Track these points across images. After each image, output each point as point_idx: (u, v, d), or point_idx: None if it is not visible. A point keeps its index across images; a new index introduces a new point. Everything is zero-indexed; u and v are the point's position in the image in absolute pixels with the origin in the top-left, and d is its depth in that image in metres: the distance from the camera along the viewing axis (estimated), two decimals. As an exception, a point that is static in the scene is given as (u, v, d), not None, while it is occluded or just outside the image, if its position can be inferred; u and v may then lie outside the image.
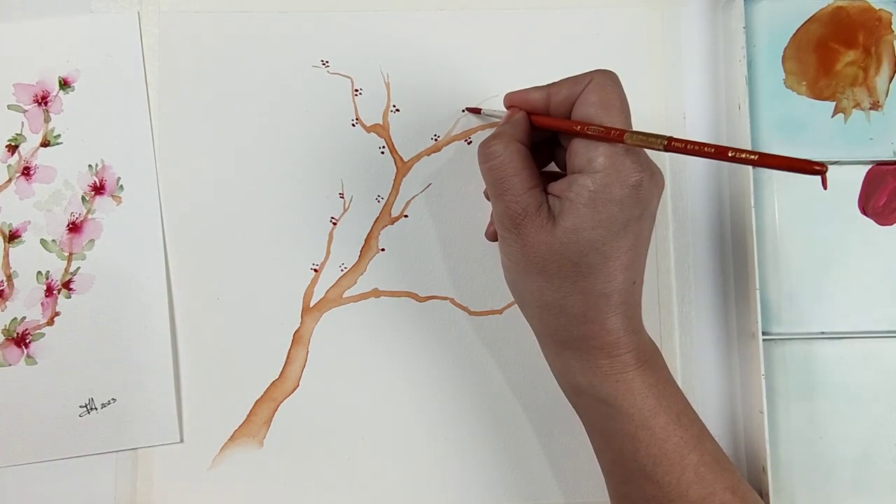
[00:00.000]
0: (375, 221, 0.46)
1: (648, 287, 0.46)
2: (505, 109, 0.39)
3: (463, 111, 0.46)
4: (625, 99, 0.35)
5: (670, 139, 0.31)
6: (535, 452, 0.45)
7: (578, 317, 0.34)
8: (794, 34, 0.46)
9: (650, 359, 0.36)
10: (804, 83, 0.46)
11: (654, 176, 0.34)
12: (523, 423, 0.45)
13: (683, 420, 0.35)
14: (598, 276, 0.34)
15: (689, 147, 0.31)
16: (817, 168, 0.27)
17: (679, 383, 0.45)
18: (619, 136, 0.32)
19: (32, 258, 0.45)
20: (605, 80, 0.35)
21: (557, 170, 0.40)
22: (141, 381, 0.44)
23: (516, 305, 0.45)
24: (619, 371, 0.35)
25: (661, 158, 0.47)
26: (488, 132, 0.47)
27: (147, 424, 0.44)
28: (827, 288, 0.45)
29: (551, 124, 0.37)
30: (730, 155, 0.30)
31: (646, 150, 0.34)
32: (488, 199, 0.38)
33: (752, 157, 0.29)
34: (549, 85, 0.37)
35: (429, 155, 0.46)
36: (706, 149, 0.30)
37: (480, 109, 0.46)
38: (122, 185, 0.45)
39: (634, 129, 0.33)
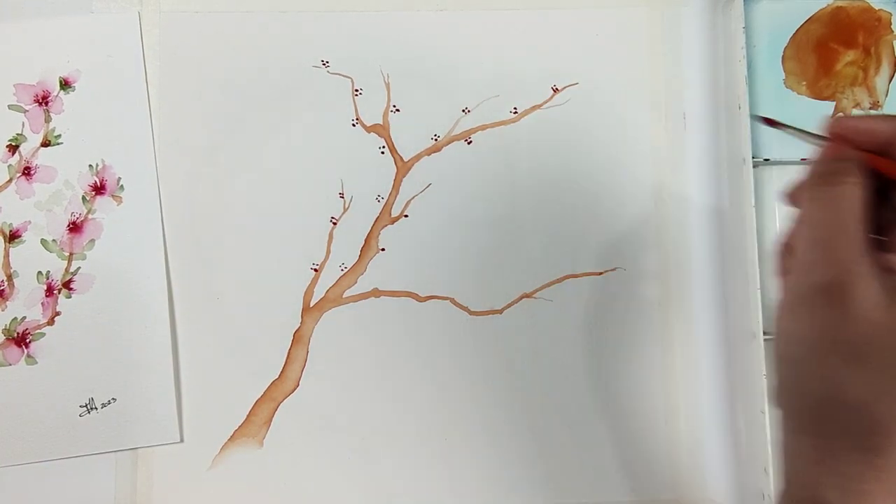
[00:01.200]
0: (375, 221, 0.46)
1: (649, 287, 0.46)
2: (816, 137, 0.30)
3: (756, 118, 0.41)
4: None
5: None
6: (535, 452, 0.45)
7: (875, 425, 0.26)
8: (794, 34, 0.46)
9: None
10: (804, 83, 0.46)
11: None
12: (523, 422, 0.45)
13: None
14: None
15: None
16: None
17: (679, 383, 0.45)
18: None
19: (33, 258, 0.45)
20: None
21: None
22: (141, 381, 0.44)
23: (516, 305, 0.45)
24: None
25: (662, 158, 0.47)
26: (489, 132, 0.47)
27: (147, 424, 0.44)
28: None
29: None
30: None
31: None
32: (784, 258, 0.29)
33: None
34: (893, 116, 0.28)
35: (429, 155, 0.46)
36: None
37: (779, 123, 0.33)
38: (122, 185, 0.45)
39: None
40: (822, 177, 0.28)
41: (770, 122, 0.34)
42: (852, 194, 0.27)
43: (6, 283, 0.44)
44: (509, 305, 0.46)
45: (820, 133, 0.29)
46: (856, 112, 0.46)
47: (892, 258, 0.27)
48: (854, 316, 0.26)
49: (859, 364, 0.26)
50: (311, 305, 0.45)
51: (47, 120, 0.46)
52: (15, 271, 0.45)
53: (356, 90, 0.47)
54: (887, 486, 0.26)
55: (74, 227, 0.45)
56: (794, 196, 0.29)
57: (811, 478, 0.27)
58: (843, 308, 0.26)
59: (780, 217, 0.45)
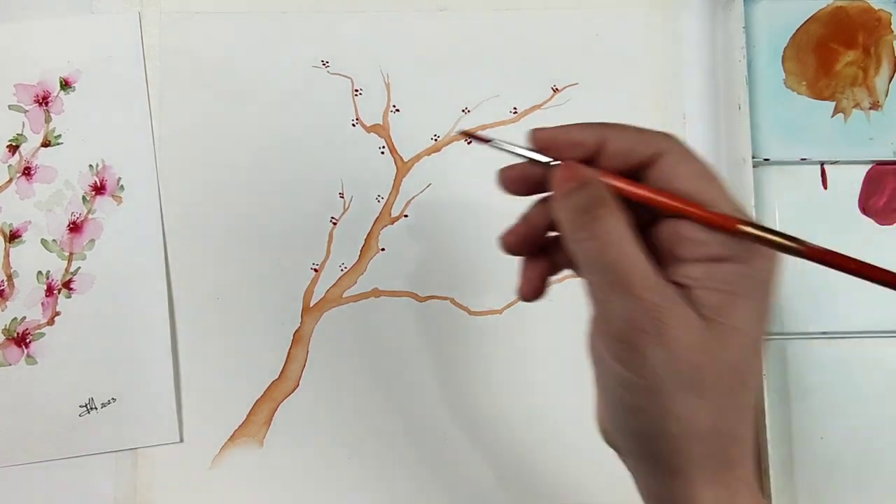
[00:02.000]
0: (375, 221, 0.46)
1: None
2: (521, 146, 0.30)
3: (459, 133, 0.43)
4: (706, 161, 0.27)
5: (809, 246, 0.25)
6: (535, 452, 0.45)
7: (729, 438, 0.26)
8: (794, 34, 0.46)
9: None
10: (804, 83, 0.46)
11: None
12: (523, 422, 0.45)
13: None
14: (749, 380, 0.26)
15: (814, 251, 0.25)
16: None
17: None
18: (732, 224, 0.25)
19: (33, 258, 0.45)
20: (688, 149, 0.27)
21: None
22: (141, 381, 0.44)
23: (516, 305, 0.45)
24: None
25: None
26: (490, 132, 0.47)
27: (147, 424, 0.44)
28: (827, 288, 0.45)
29: (637, 195, 0.26)
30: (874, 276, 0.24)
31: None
32: (597, 297, 0.27)
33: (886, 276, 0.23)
34: (601, 126, 0.27)
35: (429, 155, 0.46)
36: (834, 255, 0.25)
37: (490, 139, 0.32)
38: (122, 185, 0.45)
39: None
40: (577, 215, 0.26)
41: (477, 138, 0.31)
42: (616, 224, 0.25)
43: (6, 283, 0.44)
44: (509, 305, 0.46)
45: (530, 148, 0.28)
46: (855, 111, 0.46)
47: (686, 272, 0.26)
48: (677, 348, 0.25)
49: (698, 393, 0.25)
50: (311, 305, 0.45)
51: (47, 120, 0.46)
52: (15, 271, 0.45)
53: (356, 90, 0.47)
54: (746, 480, 0.26)
55: (74, 227, 0.45)
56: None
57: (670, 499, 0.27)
58: (665, 343, 0.25)
59: (780, 217, 0.46)
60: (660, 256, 0.26)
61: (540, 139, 0.28)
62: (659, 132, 0.27)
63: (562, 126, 0.27)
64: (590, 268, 0.26)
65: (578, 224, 0.26)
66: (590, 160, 0.27)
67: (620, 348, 0.25)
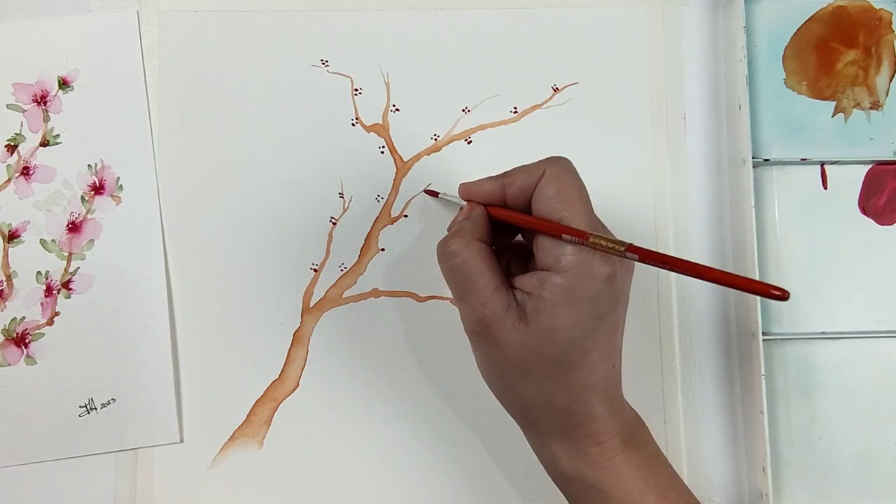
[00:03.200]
0: (375, 221, 0.46)
1: (648, 287, 0.46)
2: (462, 199, 0.38)
3: (422, 192, 0.45)
4: (583, 187, 0.34)
5: (630, 245, 0.30)
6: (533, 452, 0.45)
7: (563, 410, 0.34)
8: (795, 34, 0.46)
9: (635, 436, 0.36)
10: (804, 83, 0.46)
11: (625, 261, 0.34)
12: (523, 423, 0.45)
13: (671, 495, 0.35)
14: (581, 369, 0.33)
15: (647, 255, 0.30)
16: (777, 293, 0.26)
17: (679, 383, 0.46)
18: (584, 238, 0.31)
19: (32, 258, 0.44)
20: (561, 171, 0.34)
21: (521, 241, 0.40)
22: (141, 381, 0.44)
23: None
24: (607, 457, 0.34)
25: (662, 158, 0.47)
26: (490, 132, 0.47)
27: (147, 424, 0.44)
28: (827, 288, 0.45)
29: (512, 219, 0.35)
30: (685, 269, 0.29)
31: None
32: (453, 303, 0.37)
33: (711, 274, 0.28)
34: (502, 176, 0.36)
35: (429, 155, 0.46)
36: (665, 258, 0.29)
37: (438, 193, 0.44)
38: (121, 185, 0.45)
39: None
40: (442, 241, 0.35)
41: (430, 193, 0.45)
42: (466, 249, 0.34)
43: (5, 284, 0.44)
44: (509, 305, 0.46)
45: (461, 198, 0.38)
46: (856, 111, 0.46)
47: (524, 281, 0.34)
48: (503, 344, 0.33)
49: (525, 377, 0.34)
50: (311, 305, 0.45)
51: (46, 119, 0.46)
52: (14, 271, 0.45)
53: (356, 90, 0.47)
54: (594, 439, 0.34)
55: (73, 227, 0.45)
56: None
57: (545, 457, 0.37)
58: (493, 340, 0.33)
59: (780, 217, 0.46)
60: (535, 266, 0.34)
61: (462, 192, 0.38)
62: (543, 161, 0.35)
63: (477, 181, 0.37)
64: (447, 283, 0.35)
65: (440, 254, 0.35)
66: (500, 203, 0.36)
67: (472, 343, 0.35)
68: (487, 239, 0.36)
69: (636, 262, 0.31)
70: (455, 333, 0.45)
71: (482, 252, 0.34)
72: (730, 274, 0.27)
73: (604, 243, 0.31)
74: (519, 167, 0.35)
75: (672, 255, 0.30)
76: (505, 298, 0.33)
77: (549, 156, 0.35)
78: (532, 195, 0.34)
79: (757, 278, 0.43)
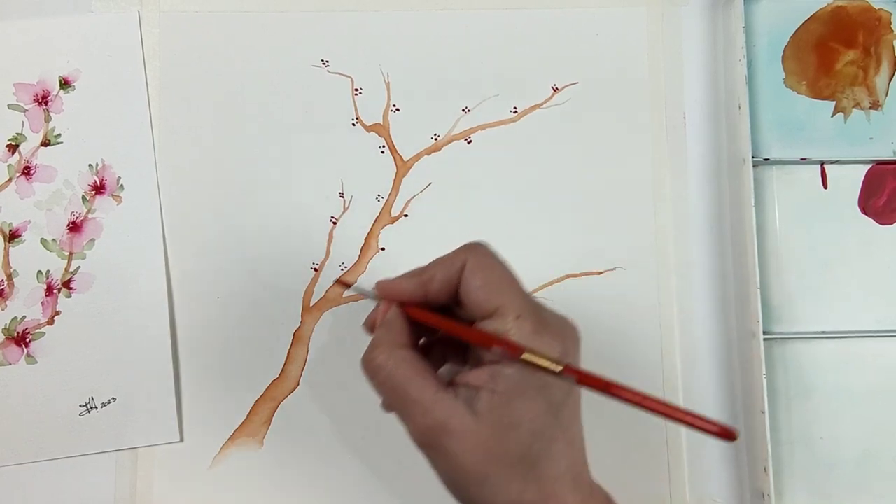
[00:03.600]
0: (375, 221, 0.46)
1: (649, 287, 0.46)
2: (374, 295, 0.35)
3: (334, 284, 0.44)
4: (508, 270, 0.32)
5: (567, 367, 0.28)
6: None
7: None
8: (794, 34, 0.46)
9: None
10: (804, 83, 0.46)
11: (572, 335, 0.33)
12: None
13: None
14: (548, 461, 0.31)
15: (585, 379, 0.28)
16: (727, 435, 0.25)
17: (679, 383, 0.45)
18: (515, 354, 0.30)
19: (33, 257, 0.45)
20: (483, 259, 0.32)
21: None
22: (141, 381, 0.44)
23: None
24: None
25: (662, 158, 0.47)
26: (489, 132, 0.47)
27: (147, 424, 0.44)
28: (827, 287, 0.45)
29: (437, 325, 0.33)
30: (627, 398, 0.27)
31: (549, 314, 0.32)
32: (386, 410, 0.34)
33: (657, 407, 0.27)
34: (420, 272, 0.33)
35: (429, 154, 0.46)
36: (606, 384, 0.28)
37: (350, 284, 0.42)
38: (122, 185, 0.45)
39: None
40: (364, 355, 0.32)
41: (343, 284, 0.43)
42: (388, 361, 0.31)
43: (6, 283, 0.44)
44: (509, 305, 0.46)
45: (376, 294, 0.34)
46: (855, 111, 0.46)
47: (472, 377, 0.31)
48: (459, 452, 0.30)
49: (491, 481, 0.30)
50: (311, 305, 0.45)
51: (47, 119, 0.46)
52: (15, 271, 0.45)
53: (356, 90, 0.47)
54: None
55: (74, 227, 0.45)
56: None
57: None
58: (446, 451, 0.30)
59: (780, 217, 0.46)
60: (477, 360, 0.32)
61: (379, 291, 0.34)
62: (460, 250, 0.32)
63: (394, 279, 0.33)
64: (381, 399, 0.32)
65: (364, 370, 0.32)
66: (422, 301, 0.33)
67: (425, 456, 0.32)
68: (410, 341, 0.33)
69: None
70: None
71: (408, 360, 0.31)
72: (676, 408, 0.26)
73: (538, 362, 0.29)
74: (436, 261, 0.33)
75: (614, 381, 0.28)
76: (447, 401, 0.30)
77: (466, 243, 0.33)
78: (456, 289, 0.32)
79: (756, 278, 0.43)
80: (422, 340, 0.35)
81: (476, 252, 0.32)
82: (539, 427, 0.31)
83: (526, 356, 0.29)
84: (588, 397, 0.47)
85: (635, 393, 0.27)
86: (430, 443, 0.31)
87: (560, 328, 0.32)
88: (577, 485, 0.32)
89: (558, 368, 0.28)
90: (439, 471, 0.32)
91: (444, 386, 0.31)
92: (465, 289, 0.32)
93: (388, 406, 0.33)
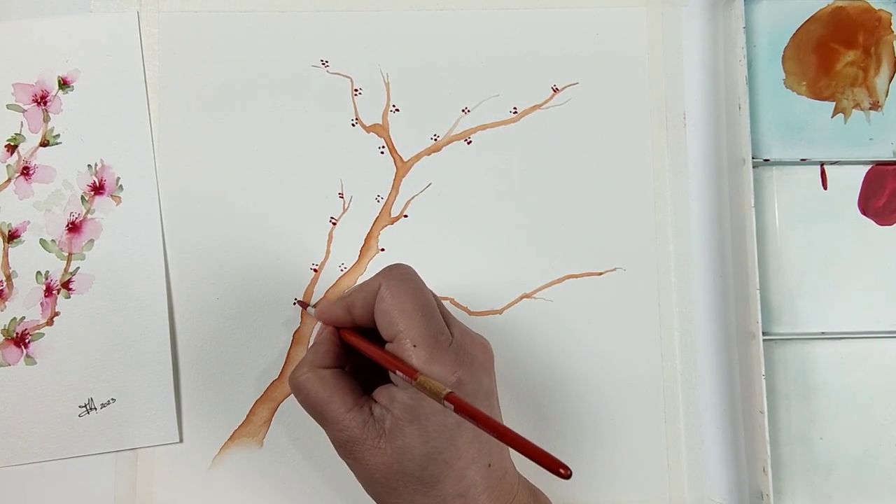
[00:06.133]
0: (375, 221, 0.46)
1: (649, 287, 0.46)
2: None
3: (294, 303, 0.45)
4: (419, 294, 0.34)
5: (449, 394, 0.29)
6: (535, 452, 0.45)
7: None
8: (794, 34, 0.46)
9: None
10: (804, 83, 0.46)
11: (475, 362, 0.34)
12: (522, 423, 0.45)
13: None
14: (447, 481, 0.33)
15: (461, 407, 0.29)
16: (562, 472, 0.26)
17: (679, 383, 0.46)
18: (412, 377, 0.31)
19: (32, 258, 0.44)
20: (394, 283, 0.34)
21: None
22: (141, 382, 0.44)
23: (516, 305, 0.46)
24: None
25: (662, 158, 0.47)
26: (489, 132, 0.47)
27: (147, 424, 0.44)
28: (827, 288, 0.45)
29: (357, 346, 0.36)
30: (490, 428, 0.28)
31: (466, 331, 0.35)
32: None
33: (507, 436, 0.28)
34: (345, 297, 0.36)
35: (429, 155, 0.46)
36: (474, 414, 0.29)
37: (307, 305, 0.44)
38: (121, 185, 0.45)
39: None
40: (291, 374, 0.35)
41: (302, 304, 0.45)
42: (308, 380, 0.34)
43: (5, 284, 0.44)
44: (509, 305, 0.46)
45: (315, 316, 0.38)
46: (855, 112, 0.46)
47: (381, 395, 0.34)
48: (366, 464, 0.33)
49: (396, 493, 0.33)
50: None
51: (46, 120, 0.46)
52: (14, 271, 0.45)
53: (356, 90, 0.47)
54: None
55: (73, 227, 0.45)
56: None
57: None
58: (358, 461, 0.33)
59: (780, 217, 0.46)
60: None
61: (316, 315, 0.38)
62: (379, 274, 0.35)
63: (327, 304, 0.37)
64: (305, 408, 0.35)
65: (290, 386, 0.36)
66: (352, 324, 0.36)
67: (345, 460, 0.35)
68: (336, 361, 0.36)
69: None
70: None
71: (326, 379, 0.34)
72: (523, 440, 0.27)
73: (427, 387, 0.30)
74: (358, 286, 0.36)
75: (484, 413, 0.29)
76: (360, 419, 0.33)
77: (387, 265, 0.35)
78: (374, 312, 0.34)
79: (756, 278, 0.43)
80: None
81: (389, 277, 0.35)
82: (431, 450, 0.32)
83: (419, 380, 0.31)
84: (587, 399, 0.48)
85: (501, 427, 0.28)
86: (346, 454, 0.34)
87: (460, 355, 0.33)
88: (492, 498, 0.34)
89: (443, 395, 0.29)
90: (357, 477, 0.35)
91: (361, 403, 0.34)
92: (375, 312, 0.34)
93: (313, 417, 0.35)
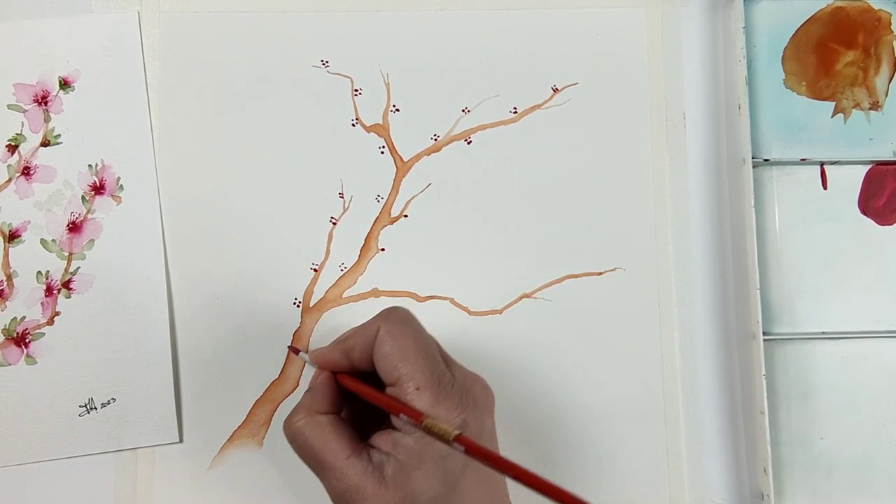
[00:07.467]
0: (375, 221, 0.46)
1: (649, 287, 0.46)
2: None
3: (288, 347, 0.44)
4: (420, 338, 0.34)
5: (458, 436, 0.29)
6: (534, 452, 0.45)
7: None
8: (794, 34, 0.46)
9: None
10: (804, 83, 0.46)
11: (478, 403, 0.33)
12: (522, 423, 0.45)
13: None
14: None
15: (472, 448, 0.29)
16: None
17: (679, 383, 0.46)
18: (417, 420, 0.31)
19: (32, 258, 0.45)
20: (394, 326, 0.34)
21: None
22: (141, 381, 0.44)
23: (516, 305, 0.46)
24: None
25: (662, 158, 0.47)
26: (489, 132, 0.47)
27: (147, 424, 0.44)
28: (827, 288, 0.45)
29: (356, 391, 0.35)
30: (505, 469, 0.28)
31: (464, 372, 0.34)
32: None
33: (529, 479, 0.27)
34: (344, 340, 0.35)
35: (429, 155, 0.46)
36: (488, 455, 0.29)
37: (299, 350, 0.44)
38: (122, 185, 0.45)
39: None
40: (286, 420, 0.34)
41: (293, 350, 0.44)
42: (306, 427, 0.33)
43: (6, 283, 0.44)
44: (509, 305, 0.46)
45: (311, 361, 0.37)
46: (855, 112, 0.46)
47: (380, 440, 0.33)
48: None
49: None
50: (311, 306, 0.45)
51: (46, 120, 0.46)
52: (14, 271, 0.45)
53: (356, 90, 0.47)
54: None
55: (74, 227, 0.45)
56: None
57: None
58: None
59: (780, 217, 0.46)
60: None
61: (312, 360, 0.37)
62: (377, 317, 0.34)
63: (323, 349, 0.36)
64: (301, 456, 0.34)
65: (285, 434, 0.34)
66: (349, 369, 0.35)
67: None
68: (333, 407, 0.35)
69: None
70: (454, 332, 0.45)
71: (323, 425, 0.33)
72: (545, 482, 0.27)
73: (435, 430, 0.30)
74: (355, 328, 0.35)
75: (497, 453, 0.28)
76: (359, 466, 0.32)
77: (384, 308, 0.35)
78: (373, 355, 0.34)
79: (756, 278, 0.43)
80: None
81: (388, 320, 0.34)
82: (439, 495, 0.32)
83: (426, 423, 0.30)
84: (587, 399, 0.48)
85: (514, 466, 0.28)
86: (343, 503, 0.33)
87: (464, 397, 0.33)
88: None
89: (452, 437, 0.29)
90: None
91: (359, 450, 0.33)
92: (376, 356, 0.33)
93: (310, 467, 0.34)
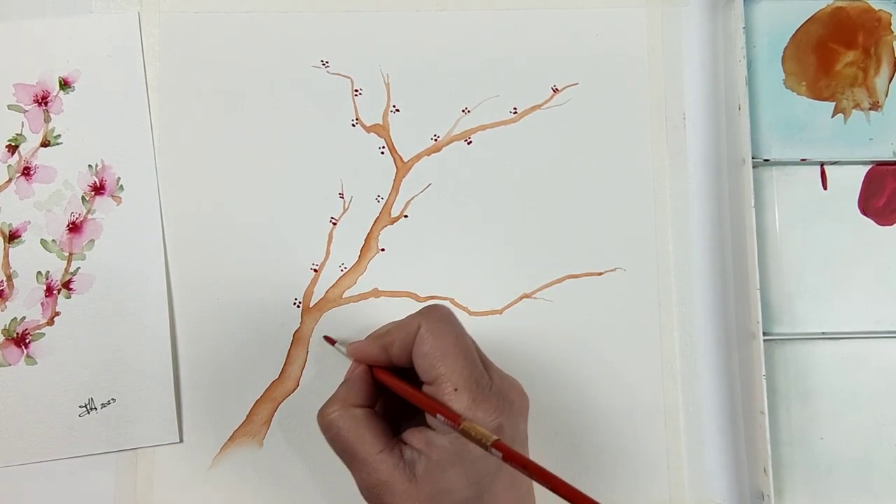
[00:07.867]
0: (375, 221, 0.46)
1: (649, 287, 0.46)
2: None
3: (324, 337, 0.44)
4: (460, 337, 0.33)
5: (496, 441, 0.29)
6: (534, 453, 0.45)
7: None
8: (794, 34, 0.46)
9: None
10: (804, 83, 0.46)
11: (514, 407, 0.33)
12: (523, 423, 0.45)
13: None
14: None
15: (509, 455, 0.29)
16: None
17: (679, 383, 0.46)
18: (455, 422, 0.31)
19: (32, 258, 0.45)
20: (435, 324, 0.33)
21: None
22: (141, 381, 0.44)
23: (516, 305, 0.46)
24: None
25: (662, 158, 0.47)
26: (489, 132, 0.47)
27: (146, 424, 0.44)
28: (827, 288, 0.45)
29: (393, 387, 0.35)
30: (542, 478, 0.28)
31: (501, 376, 0.34)
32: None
33: (564, 489, 0.27)
34: (383, 335, 0.35)
35: (429, 155, 0.46)
36: (525, 463, 0.29)
37: (335, 341, 0.43)
38: (122, 185, 0.45)
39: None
40: (320, 410, 0.35)
41: (329, 340, 0.43)
42: (341, 419, 0.34)
43: (6, 284, 0.44)
44: (509, 305, 0.46)
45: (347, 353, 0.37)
46: (855, 112, 0.46)
47: (413, 437, 0.33)
48: None
49: None
50: (311, 306, 0.45)
51: (47, 120, 0.46)
52: (14, 271, 0.45)
53: (356, 90, 0.47)
54: None
55: (74, 228, 0.45)
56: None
57: None
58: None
59: (780, 217, 0.46)
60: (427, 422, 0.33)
61: (349, 352, 0.37)
62: (417, 314, 0.34)
63: (361, 342, 0.36)
64: (334, 449, 0.35)
65: (319, 424, 0.35)
66: (386, 363, 0.35)
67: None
68: (368, 400, 0.35)
69: None
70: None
71: (357, 418, 0.34)
72: (580, 493, 0.27)
73: (472, 434, 0.30)
74: (395, 324, 0.35)
75: (534, 462, 0.28)
76: (390, 462, 0.32)
77: (425, 305, 0.35)
78: (412, 352, 0.34)
79: (756, 278, 0.43)
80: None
81: (430, 317, 0.34)
82: (471, 495, 0.32)
83: (464, 426, 0.30)
84: (587, 399, 0.48)
85: (551, 476, 0.28)
86: (374, 498, 0.33)
87: (501, 400, 0.33)
88: None
89: (489, 442, 0.29)
90: None
91: (391, 445, 0.33)
92: (415, 354, 0.33)
93: (341, 459, 0.34)
